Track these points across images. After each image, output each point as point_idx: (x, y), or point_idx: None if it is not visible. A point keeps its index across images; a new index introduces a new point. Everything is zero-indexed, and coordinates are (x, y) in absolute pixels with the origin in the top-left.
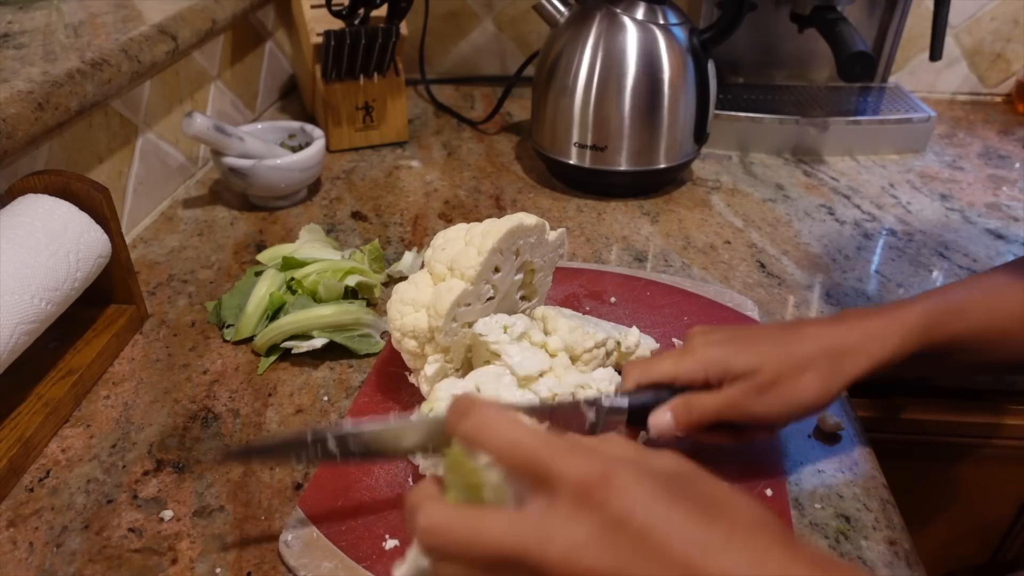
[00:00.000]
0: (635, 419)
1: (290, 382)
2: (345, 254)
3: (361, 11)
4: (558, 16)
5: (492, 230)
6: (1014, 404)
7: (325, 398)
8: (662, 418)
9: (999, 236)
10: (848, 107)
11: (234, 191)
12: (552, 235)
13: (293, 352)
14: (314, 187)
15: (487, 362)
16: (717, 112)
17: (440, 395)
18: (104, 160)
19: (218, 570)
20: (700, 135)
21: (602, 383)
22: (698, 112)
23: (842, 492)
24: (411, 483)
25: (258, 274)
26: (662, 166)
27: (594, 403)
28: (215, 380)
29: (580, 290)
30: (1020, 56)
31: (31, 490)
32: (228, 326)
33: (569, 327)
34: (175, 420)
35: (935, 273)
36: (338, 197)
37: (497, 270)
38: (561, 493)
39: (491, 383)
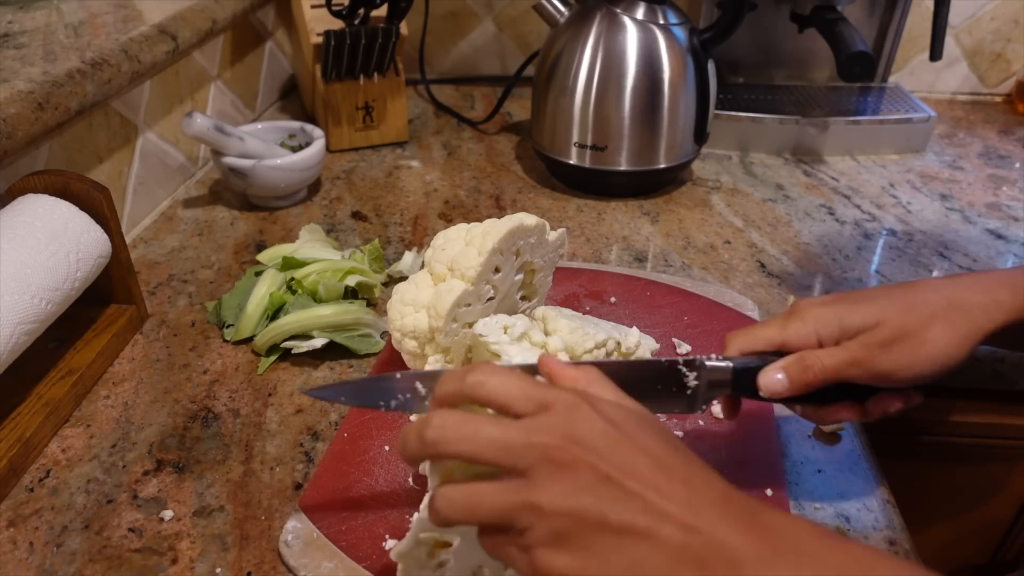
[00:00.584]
0: (741, 386)
1: (290, 382)
2: (345, 254)
3: (361, 11)
4: (558, 16)
5: (492, 230)
6: (1014, 404)
7: None
8: (773, 377)
9: (999, 236)
10: (848, 107)
11: (234, 191)
12: (552, 235)
13: (293, 352)
14: (314, 187)
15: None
16: (717, 112)
17: None
18: (104, 160)
19: (218, 570)
20: (700, 135)
21: None
22: (698, 112)
23: (842, 492)
24: (411, 483)
25: (258, 274)
26: (662, 166)
27: (695, 365)
28: (215, 380)
29: (580, 290)
30: (1020, 56)
31: (31, 490)
32: (228, 326)
33: (569, 327)
34: (175, 420)
35: (935, 273)
36: (338, 197)
37: (497, 270)
38: (537, 469)
39: None
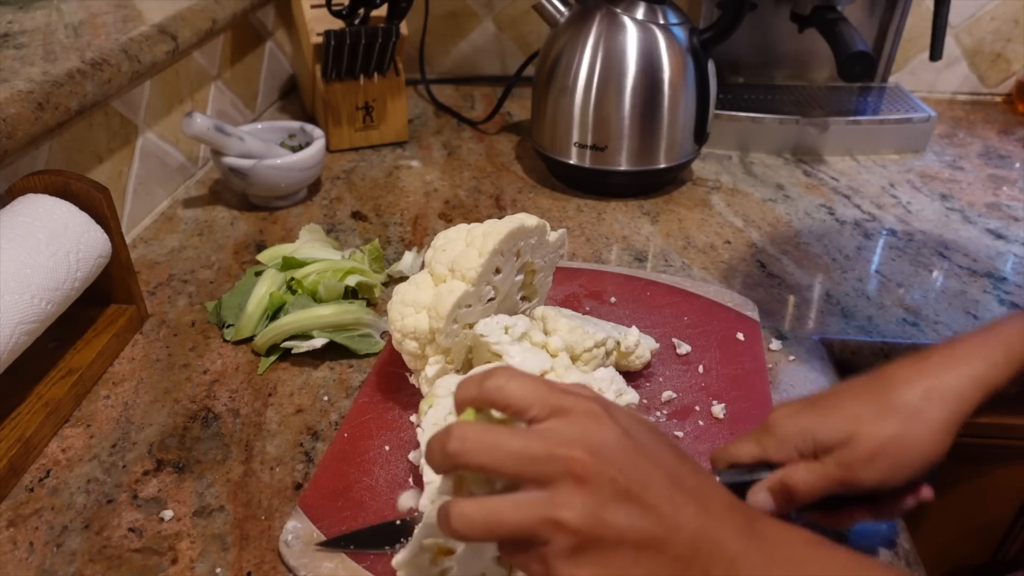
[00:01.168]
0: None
1: (290, 382)
2: (345, 254)
3: (361, 11)
4: (558, 16)
5: (493, 231)
6: (1018, 403)
7: (325, 398)
8: (760, 499)
9: (999, 236)
10: (848, 107)
11: (234, 191)
12: (553, 236)
13: (293, 352)
14: (314, 187)
15: (488, 363)
16: (717, 112)
17: (440, 392)
18: (104, 160)
19: (218, 570)
20: (700, 135)
21: (603, 383)
22: (698, 112)
23: None
24: (411, 483)
25: (258, 274)
26: (662, 166)
27: None
28: (215, 380)
29: (580, 290)
30: (1020, 56)
31: (31, 490)
32: (228, 326)
33: (569, 327)
34: (175, 420)
35: (935, 273)
36: (338, 197)
37: (498, 271)
38: (559, 483)
39: None
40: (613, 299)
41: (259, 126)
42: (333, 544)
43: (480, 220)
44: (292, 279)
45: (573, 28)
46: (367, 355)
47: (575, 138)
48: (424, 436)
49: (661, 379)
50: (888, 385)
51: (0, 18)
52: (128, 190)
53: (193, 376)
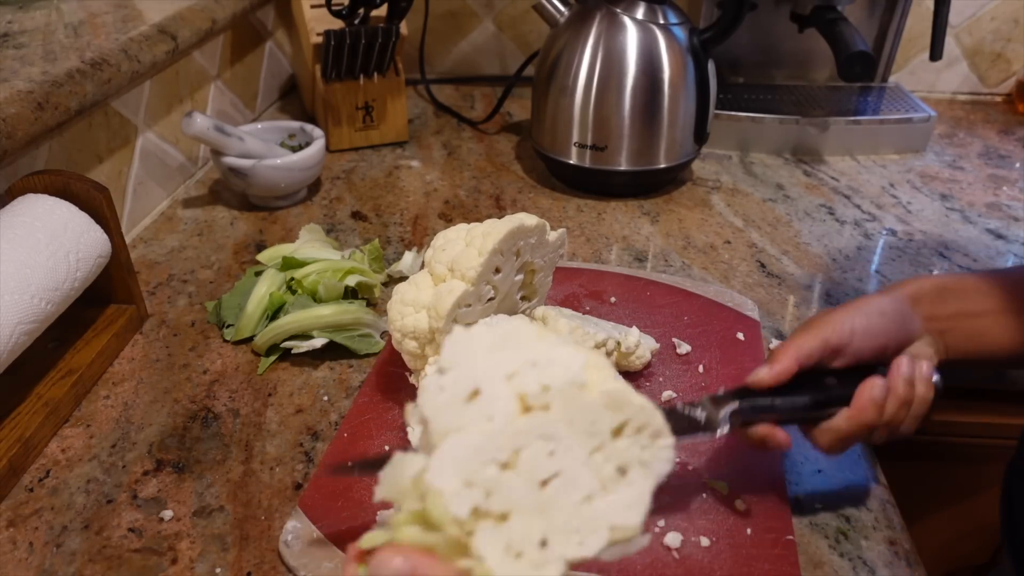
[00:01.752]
0: (747, 415)
1: (290, 382)
2: (345, 254)
3: (361, 11)
4: (558, 16)
5: (493, 231)
6: (1014, 404)
7: (325, 398)
8: (757, 373)
9: (999, 236)
10: (848, 107)
11: (234, 191)
12: (552, 235)
13: (293, 352)
14: (314, 187)
15: None
16: (717, 112)
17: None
18: (104, 160)
19: (218, 570)
20: (700, 135)
21: None
22: (698, 112)
23: (842, 492)
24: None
25: (258, 274)
26: (662, 166)
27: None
28: (215, 380)
29: (580, 290)
30: (1020, 56)
31: (31, 490)
32: (228, 326)
33: (569, 327)
34: (175, 420)
35: (935, 273)
36: (338, 197)
37: (498, 271)
38: None
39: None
40: (613, 299)
41: (259, 126)
42: (342, 471)
43: (480, 220)
44: (292, 279)
45: (573, 28)
46: (367, 355)
47: (575, 138)
48: (413, 435)
49: (661, 379)
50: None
51: (0, 18)
52: (128, 190)
53: (193, 376)
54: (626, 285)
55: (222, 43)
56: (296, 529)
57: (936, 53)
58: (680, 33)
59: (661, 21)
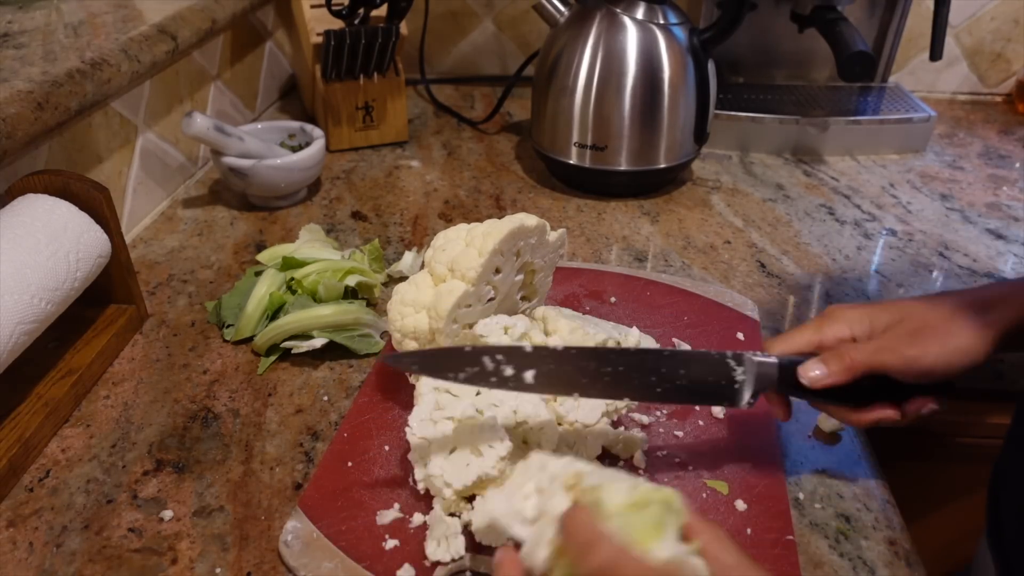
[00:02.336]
0: (784, 382)
1: (290, 382)
2: (345, 254)
3: (361, 11)
4: (558, 16)
5: (493, 231)
6: (1014, 404)
7: (325, 398)
8: (813, 369)
9: (999, 236)
10: (848, 107)
11: (234, 191)
12: (552, 236)
13: (293, 352)
14: (314, 187)
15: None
16: (717, 112)
17: (423, 389)
18: (104, 160)
19: (218, 570)
20: (700, 135)
21: None
22: (698, 112)
23: (842, 492)
24: (410, 483)
25: (258, 274)
26: (662, 166)
27: (742, 360)
28: (215, 380)
29: (580, 290)
30: (1020, 56)
31: (31, 490)
32: (228, 326)
33: (569, 327)
34: (175, 420)
35: (935, 273)
36: (338, 197)
37: (498, 271)
38: None
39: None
40: (613, 299)
41: (259, 126)
42: (399, 361)
43: (480, 220)
44: (292, 279)
45: (573, 28)
46: (367, 355)
47: (575, 138)
48: (411, 435)
49: None
50: (940, 296)
51: (0, 18)
52: (128, 190)
53: (193, 376)
54: (626, 285)
55: (222, 43)
56: (296, 529)
57: (936, 53)
58: (680, 33)
59: (661, 21)
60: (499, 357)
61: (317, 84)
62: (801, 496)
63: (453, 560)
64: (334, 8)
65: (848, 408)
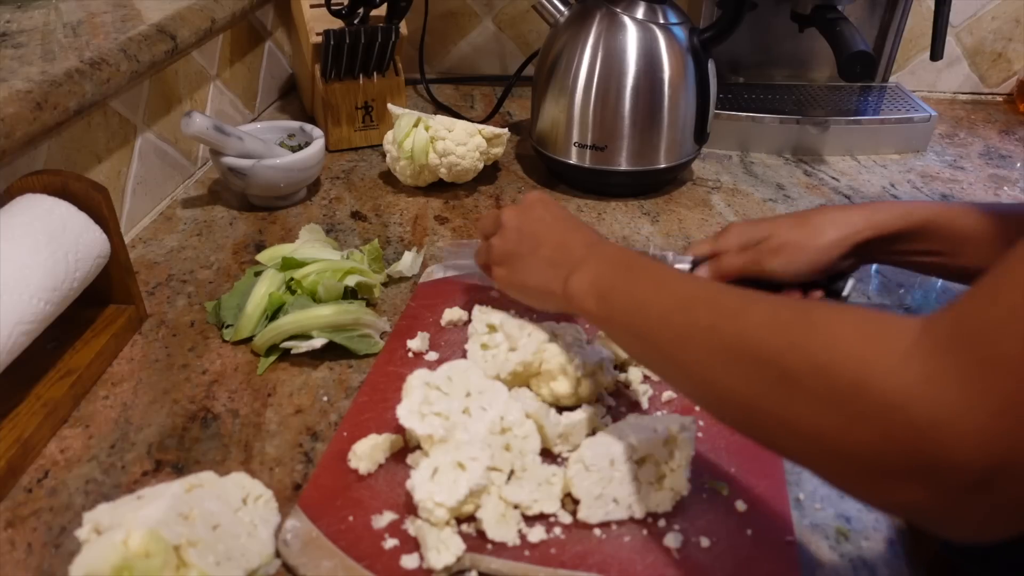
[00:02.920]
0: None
1: (289, 382)
2: (344, 254)
3: (361, 11)
4: (558, 16)
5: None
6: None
7: (325, 398)
8: (702, 271)
9: None
10: (849, 107)
11: (233, 191)
12: None
13: (292, 352)
14: (314, 187)
15: (484, 345)
16: (717, 112)
17: (414, 383)
18: (103, 160)
19: None
20: (700, 135)
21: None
22: (698, 112)
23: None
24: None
25: (257, 274)
26: (662, 166)
27: (668, 260)
28: (214, 380)
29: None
30: (1021, 56)
31: (29, 491)
32: (227, 326)
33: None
34: (174, 420)
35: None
36: (338, 197)
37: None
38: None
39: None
40: None
41: (258, 126)
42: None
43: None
44: (291, 279)
45: (573, 28)
46: (366, 355)
47: (575, 138)
48: (408, 420)
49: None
50: (811, 212)
51: None
52: (127, 190)
53: (192, 376)
54: None
55: (221, 43)
56: (296, 529)
57: (937, 53)
58: (680, 33)
59: (661, 21)
60: None
61: (317, 84)
62: (801, 496)
63: (457, 559)
64: (334, 8)
65: None
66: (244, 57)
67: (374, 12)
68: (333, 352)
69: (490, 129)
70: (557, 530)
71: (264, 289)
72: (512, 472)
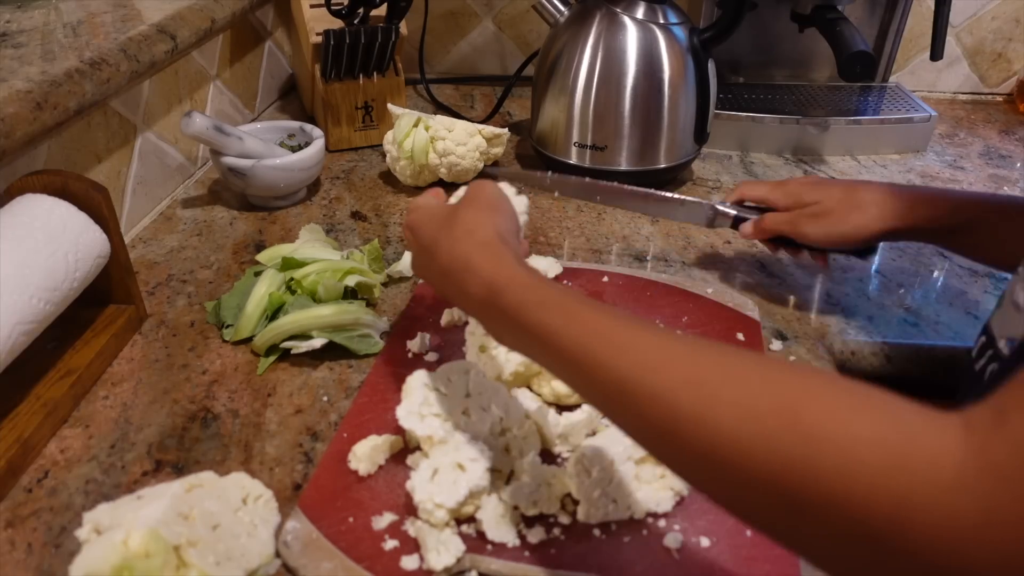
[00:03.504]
0: (735, 225)
1: (289, 382)
2: (344, 254)
3: (361, 11)
4: (558, 16)
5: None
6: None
7: (325, 398)
8: (744, 226)
9: None
10: (849, 107)
11: (233, 191)
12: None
13: (292, 352)
14: (313, 187)
15: (482, 347)
16: (717, 112)
17: (413, 384)
18: (103, 160)
19: None
20: (700, 135)
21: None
22: (698, 112)
23: None
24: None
25: (257, 274)
26: (662, 166)
27: (713, 207)
28: (214, 380)
29: (580, 290)
30: (1021, 55)
31: (29, 491)
32: (227, 326)
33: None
34: (174, 420)
35: (936, 273)
36: (337, 197)
37: None
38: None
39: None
40: (613, 299)
41: (258, 126)
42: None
43: None
44: (291, 279)
45: (573, 28)
46: (366, 355)
47: (575, 138)
48: (408, 421)
49: None
50: (860, 188)
51: None
52: (127, 190)
53: (192, 376)
54: (626, 285)
55: (221, 43)
56: (296, 529)
57: (937, 53)
58: (680, 33)
59: (661, 21)
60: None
61: (317, 84)
62: None
63: (457, 560)
64: (334, 8)
65: (787, 249)
66: (244, 57)
67: (374, 12)
68: (333, 352)
69: (490, 129)
70: (557, 531)
71: (264, 289)
72: (512, 473)
